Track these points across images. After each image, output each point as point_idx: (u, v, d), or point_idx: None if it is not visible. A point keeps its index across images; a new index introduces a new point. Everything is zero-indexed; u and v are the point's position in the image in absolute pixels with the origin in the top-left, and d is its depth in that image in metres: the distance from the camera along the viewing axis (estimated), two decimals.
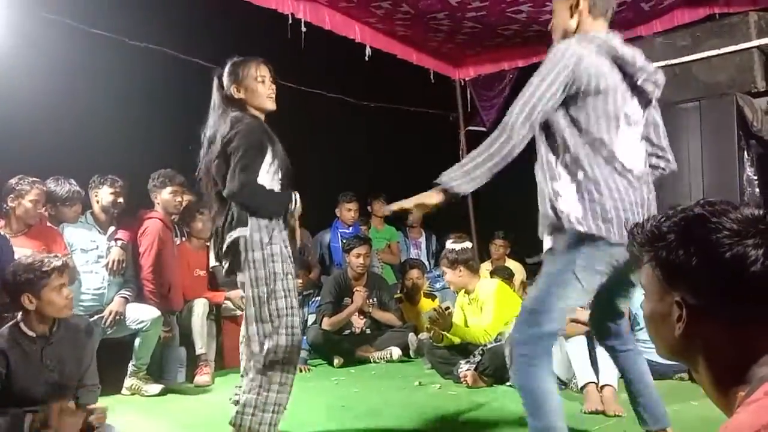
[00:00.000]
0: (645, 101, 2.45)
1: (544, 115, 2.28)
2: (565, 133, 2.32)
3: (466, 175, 2.24)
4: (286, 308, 2.71)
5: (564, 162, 2.33)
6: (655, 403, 2.62)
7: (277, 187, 2.79)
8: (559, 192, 2.32)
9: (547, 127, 2.35)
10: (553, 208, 2.33)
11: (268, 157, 2.75)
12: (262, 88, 2.83)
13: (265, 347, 2.69)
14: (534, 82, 2.27)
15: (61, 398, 2.71)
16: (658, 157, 2.56)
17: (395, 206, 2.35)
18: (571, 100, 2.30)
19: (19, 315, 2.85)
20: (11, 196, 3.85)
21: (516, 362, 2.29)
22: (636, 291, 2.59)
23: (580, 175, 2.29)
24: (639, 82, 2.37)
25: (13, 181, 3.88)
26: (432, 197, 2.26)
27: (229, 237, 2.72)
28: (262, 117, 2.86)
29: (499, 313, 4.48)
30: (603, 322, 2.66)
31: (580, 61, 2.25)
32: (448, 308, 4.43)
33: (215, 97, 2.86)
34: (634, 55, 2.37)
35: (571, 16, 2.41)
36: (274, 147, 2.79)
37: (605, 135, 2.30)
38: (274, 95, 2.88)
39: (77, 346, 2.98)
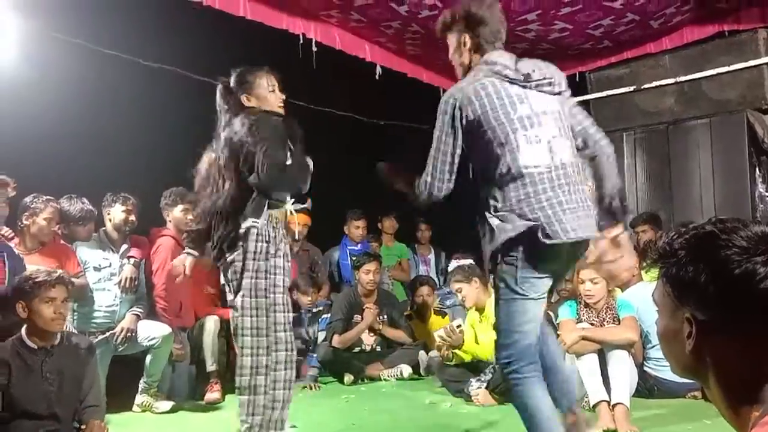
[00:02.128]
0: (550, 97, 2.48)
1: (451, 162, 2.44)
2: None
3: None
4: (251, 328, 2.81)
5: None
6: None
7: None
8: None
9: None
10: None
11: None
12: (273, 97, 2.85)
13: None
14: (434, 138, 2.47)
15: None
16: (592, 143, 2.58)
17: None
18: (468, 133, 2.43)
19: (23, 328, 2.91)
20: (26, 213, 3.90)
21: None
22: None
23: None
24: (531, 87, 2.43)
25: (27, 199, 3.93)
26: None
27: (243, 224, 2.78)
28: None
29: None
30: None
31: (456, 101, 2.41)
32: (459, 325, 4.41)
33: (221, 102, 2.84)
34: (517, 67, 2.44)
35: (461, 53, 2.58)
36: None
37: (498, 150, 2.38)
38: (283, 104, 2.91)
39: (78, 363, 3.03)
